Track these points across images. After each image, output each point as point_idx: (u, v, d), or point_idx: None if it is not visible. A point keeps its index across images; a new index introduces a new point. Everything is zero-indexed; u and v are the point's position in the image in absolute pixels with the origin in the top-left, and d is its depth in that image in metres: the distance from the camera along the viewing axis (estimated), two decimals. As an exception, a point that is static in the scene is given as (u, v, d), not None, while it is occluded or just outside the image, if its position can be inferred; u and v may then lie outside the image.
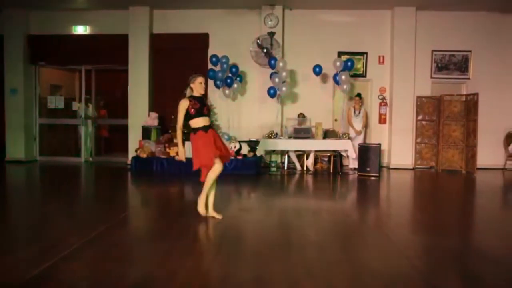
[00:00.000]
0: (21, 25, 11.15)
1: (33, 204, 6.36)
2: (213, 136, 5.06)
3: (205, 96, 5.21)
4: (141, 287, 3.11)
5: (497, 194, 8.21)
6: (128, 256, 3.89)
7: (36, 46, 11.31)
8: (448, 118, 10.57)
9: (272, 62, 10.03)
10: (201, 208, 5.14)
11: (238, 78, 10.45)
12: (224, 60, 10.30)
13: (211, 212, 5.17)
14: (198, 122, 5.03)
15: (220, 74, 10.27)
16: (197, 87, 5.08)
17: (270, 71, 10.36)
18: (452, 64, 10.96)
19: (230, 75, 10.36)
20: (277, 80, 9.97)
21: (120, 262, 3.68)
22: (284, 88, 10.01)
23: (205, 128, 5.04)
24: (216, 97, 10.80)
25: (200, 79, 5.11)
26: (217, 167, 5.01)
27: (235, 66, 10.37)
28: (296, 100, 10.97)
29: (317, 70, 10.18)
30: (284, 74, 9.97)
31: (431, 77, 11.00)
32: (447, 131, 10.59)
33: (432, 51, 10.92)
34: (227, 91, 10.31)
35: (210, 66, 10.62)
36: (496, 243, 4.44)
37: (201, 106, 5.06)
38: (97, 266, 3.57)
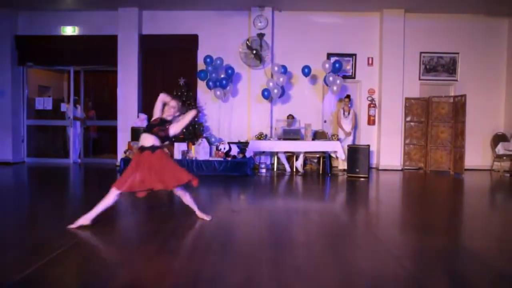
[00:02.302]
0: (9, 25, 11.03)
1: (21, 206, 6.29)
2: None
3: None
4: (129, 289, 3.10)
5: (484, 195, 8.29)
6: (116, 257, 3.86)
7: (24, 47, 11.20)
8: (436, 120, 10.66)
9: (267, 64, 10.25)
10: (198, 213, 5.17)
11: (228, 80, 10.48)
12: (218, 62, 10.30)
13: (199, 215, 5.16)
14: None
15: (214, 75, 10.28)
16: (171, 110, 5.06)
17: (259, 72, 10.45)
18: (440, 66, 11.07)
19: (223, 76, 10.38)
20: (271, 84, 10.04)
21: (109, 263, 3.66)
22: (275, 91, 10.06)
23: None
24: (207, 99, 10.84)
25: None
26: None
27: (231, 67, 10.39)
28: (285, 102, 10.98)
29: (306, 71, 10.22)
30: (281, 79, 10.05)
31: (420, 79, 11.10)
32: (435, 132, 10.68)
33: (420, 53, 11.01)
34: (218, 92, 10.31)
35: (200, 67, 10.68)
36: (484, 243, 4.48)
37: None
38: (86, 268, 3.54)
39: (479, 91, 10.87)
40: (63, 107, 11.77)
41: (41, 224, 5.06)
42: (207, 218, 5.11)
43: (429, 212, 6.17)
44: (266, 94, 10.20)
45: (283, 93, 10.33)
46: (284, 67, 10.22)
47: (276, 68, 10.11)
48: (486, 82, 11.02)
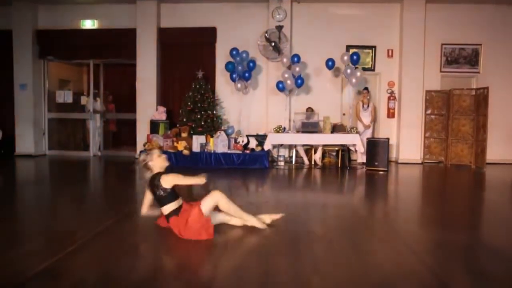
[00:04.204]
0: (30, 19, 11.18)
1: (42, 198, 6.40)
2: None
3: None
4: (150, 280, 3.12)
5: (507, 190, 8.13)
6: (136, 249, 3.90)
7: (44, 41, 11.36)
8: (457, 113, 10.47)
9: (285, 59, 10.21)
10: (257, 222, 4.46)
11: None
12: (244, 55, 10.31)
13: (266, 219, 4.59)
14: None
15: (240, 68, 10.28)
16: (158, 161, 4.22)
17: (278, 64, 10.40)
18: (462, 58, 10.86)
19: (246, 69, 10.43)
20: (286, 75, 10.00)
21: (129, 255, 3.69)
22: (289, 82, 10.02)
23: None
24: (227, 91, 10.86)
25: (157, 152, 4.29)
26: None
27: (252, 60, 10.42)
28: (304, 94, 10.93)
29: (330, 64, 10.20)
30: (297, 69, 10.01)
31: (441, 71, 10.91)
32: (456, 125, 10.50)
33: (442, 44, 10.82)
34: (239, 85, 10.33)
35: (219, 60, 10.85)
36: (506, 239, 4.40)
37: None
38: (106, 259, 3.57)
39: (502, 83, 10.64)
40: (83, 100, 11.91)
41: (62, 216, 5.14)
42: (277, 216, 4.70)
43: (449, 207, 6.08)
44: (281, 86, 10.19)
45: (300, 84, 10.25)
46: (297, 56, 10.17)
47: (285, 60, 10.09)
48: (510, 74, 10.77)
